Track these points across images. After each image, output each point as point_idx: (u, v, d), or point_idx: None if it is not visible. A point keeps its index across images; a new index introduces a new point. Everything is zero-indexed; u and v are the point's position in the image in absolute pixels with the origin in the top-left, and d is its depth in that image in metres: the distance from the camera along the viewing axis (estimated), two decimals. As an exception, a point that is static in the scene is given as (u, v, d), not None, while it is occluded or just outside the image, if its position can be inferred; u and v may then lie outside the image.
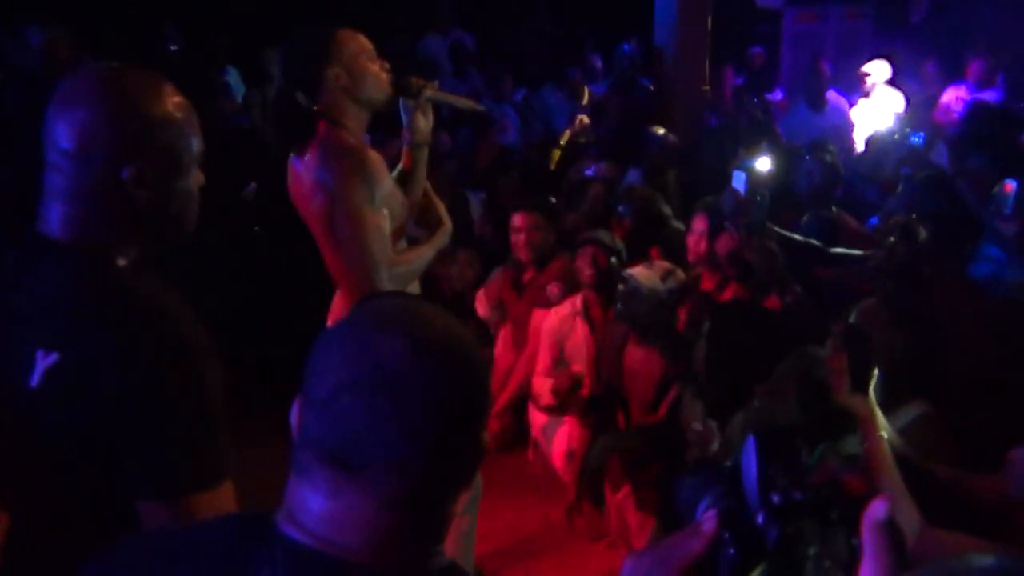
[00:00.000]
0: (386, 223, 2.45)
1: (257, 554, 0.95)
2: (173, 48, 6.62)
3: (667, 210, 4.23)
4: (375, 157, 2.44)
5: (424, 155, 2.75)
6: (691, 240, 3.74)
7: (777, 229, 3.70)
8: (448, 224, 2.72)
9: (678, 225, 4.21)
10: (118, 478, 1.30)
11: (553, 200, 4.34)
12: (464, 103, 2.65)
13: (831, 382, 2.31)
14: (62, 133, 1.34)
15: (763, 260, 3.19)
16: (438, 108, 2.71)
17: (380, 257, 2.40)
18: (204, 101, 6.39)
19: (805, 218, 4.30)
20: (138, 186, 1.37)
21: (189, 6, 7.19)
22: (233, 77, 6.98)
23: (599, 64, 7.27)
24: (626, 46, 6.17)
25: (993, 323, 2.75)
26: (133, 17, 6.60)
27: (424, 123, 2.68)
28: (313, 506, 0.94)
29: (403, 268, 2.50)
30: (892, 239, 3.31)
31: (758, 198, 3.46)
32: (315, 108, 2.44)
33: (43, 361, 1.28)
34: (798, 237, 3.87)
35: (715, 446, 2.80)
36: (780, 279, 3.16)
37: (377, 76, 2.49)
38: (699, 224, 3.70)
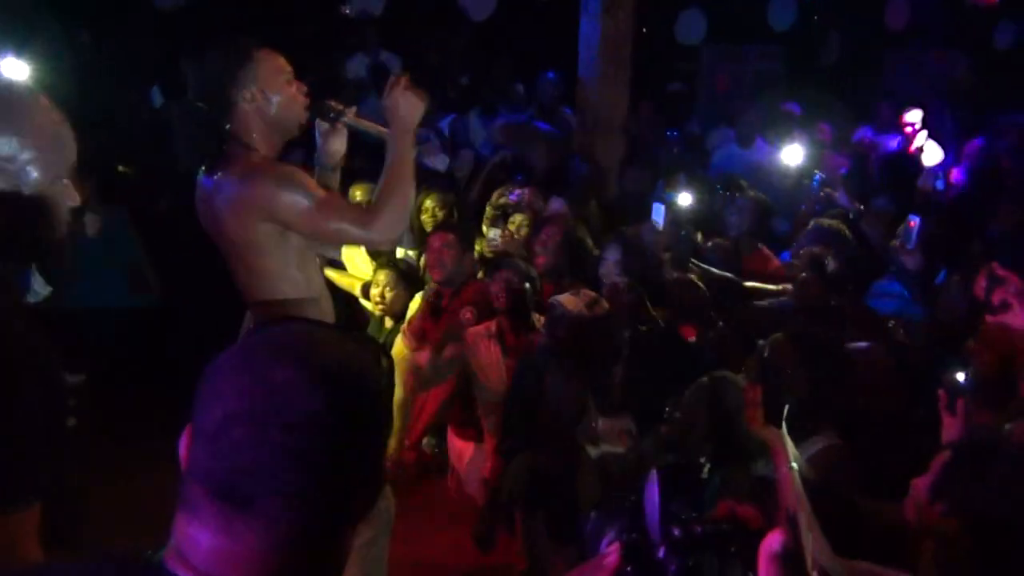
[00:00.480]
0: (336, 196, 2.46)
1: None
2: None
3: (587, 238, 4.27)
4: (283, 165, 2.43)
5: (336, 178, 2.73)
6: (603, 269, 3.78)
7: (695, 262, 3.78)
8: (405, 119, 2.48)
9: (598, 253, 4.26)
10: None
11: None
12: (381, 131, 2.62)
13: (746, 413, 2.36)
14: None
15: (687, 295, 3.24)
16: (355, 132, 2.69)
17: (360, 222, 2.37)
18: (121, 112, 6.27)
19: (709, 244, 4.38)
20: None
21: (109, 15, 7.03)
22: (156, 95, 6.85)
23: (521, 91, 7.33)
24: (550, 74, 6.24)
25: (898, 358, 2.85)
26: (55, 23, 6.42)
27: (338, 146, 2.66)
28: (202, 543, 0.90)
29: (389, 204, 2.39)
30: (804, 275, 3.42)
31: (683, 232, 3.53)
32: (227, 127, 2.39)
33: None
34: (715, 270, 3.96)
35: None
36: (703, 314, 3.21)
37: (293, 99, 2.45)
38: (611, 254, 3.74)
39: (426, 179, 5.32)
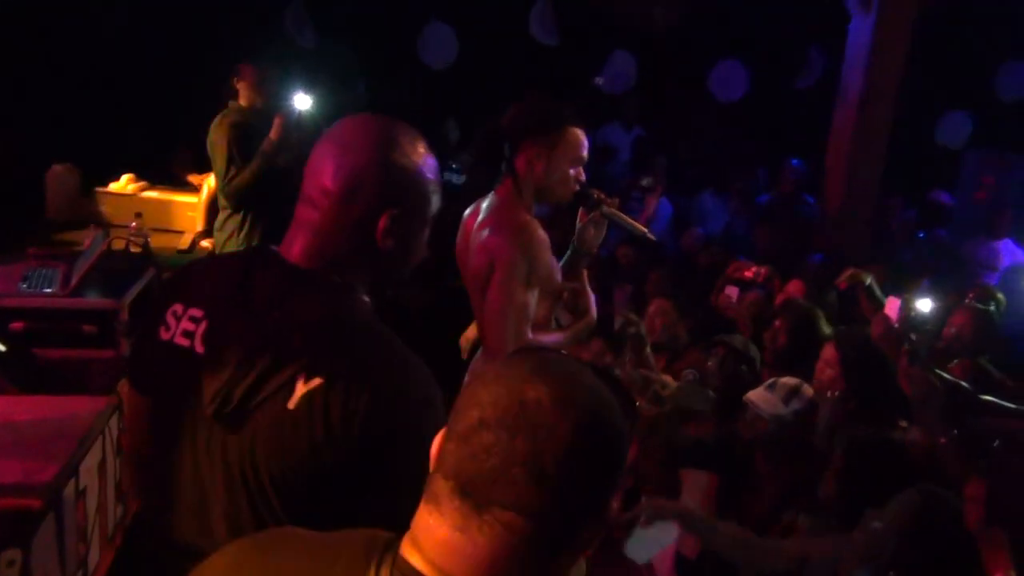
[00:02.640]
0: (533, 302, 2.50)
1: (376, 571, 0.98)
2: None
3: (827, 330, 4.06)
4: (542, 237, 2.51)
5: (584, 262, 2.80)
6: (818, 366, 3.56)
7: (933, 368, 3.50)
8: (592, 317, 2.73)
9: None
10: (341, 505, 1.29)
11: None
12: (637, 228, 2.70)
13: (966, 509, 2.15)
14: (327, 172, 1.39)
15: (920, 391, 2.99)
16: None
17: (514, 332, 2.45)
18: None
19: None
20: (389, 232, 1.41)
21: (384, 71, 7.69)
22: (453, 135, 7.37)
23: (763, 176, 7.24)
24: (795, 161, 6.12)
25: None
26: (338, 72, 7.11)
27: (593, 234, 2.74)
28: (437, 535, 0.95)
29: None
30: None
31: (925, 328, 3.30)
32: (505, 170, 2.57)
33: (304, 386, 1.29)
34: (949, 377, 3.66)
35: None
36: (936, 417, 2.95)
37: (566, 182, 2.57)
38: (828, 353, 3.52)
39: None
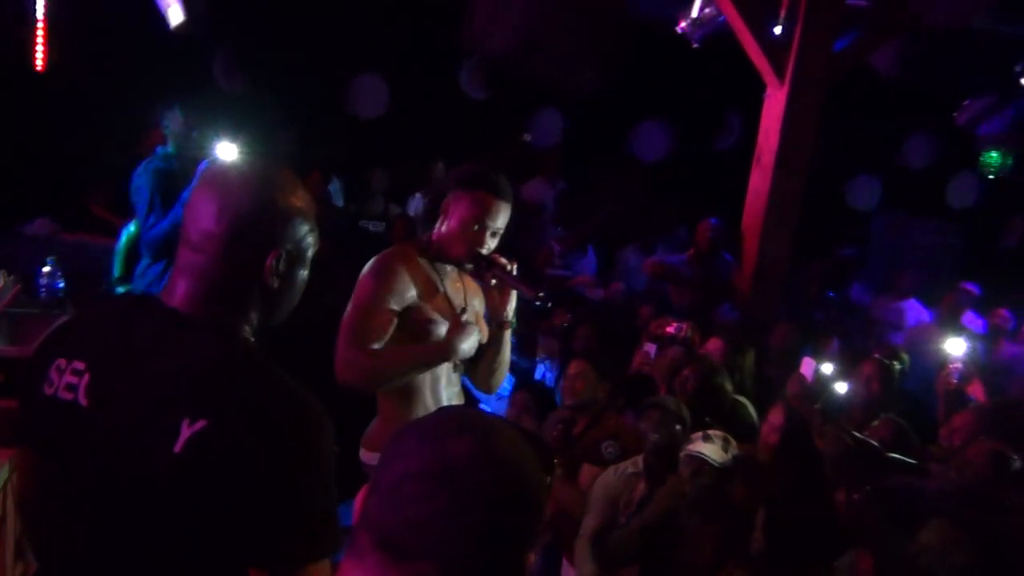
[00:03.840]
0: (383, 323, 2.50)
1: None
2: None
3: (728, 384, 4.16)
4: (403, 271, 2.55)
5: (503, 336, 2.71)
6: (765, 429, 3.67)
7: (843, 426, 3.63)
8: (452, 345, 2.53)
9: (744, 402, 4.16)
10: (235, 545, 1.28)
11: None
12: (525, 291, 2.59)
13: None
14: (210, 215, 1.40)
15: (834, 449, 3.10)
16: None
17: (353, 337, 2.47)
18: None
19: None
20: (275, 272, 1.44)
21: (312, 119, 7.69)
22: (335, 187, 7.36)
23: (683, 233, 7.43)
24: (713, 220, 6.29)
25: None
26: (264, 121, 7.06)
27: (498, 302, 2.65)
28: None
29: (370, 363, 2.48)
30: (976, 463, 3.18)
31: (831, 388, 3.44)
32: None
33: (189, 428, 1.28)
34: (859, 435, 3.80)
35: None
36: (849, 474, 3.06)
37: (467, 244, 2.57)
38: (775, 418, 3.63)
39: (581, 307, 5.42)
